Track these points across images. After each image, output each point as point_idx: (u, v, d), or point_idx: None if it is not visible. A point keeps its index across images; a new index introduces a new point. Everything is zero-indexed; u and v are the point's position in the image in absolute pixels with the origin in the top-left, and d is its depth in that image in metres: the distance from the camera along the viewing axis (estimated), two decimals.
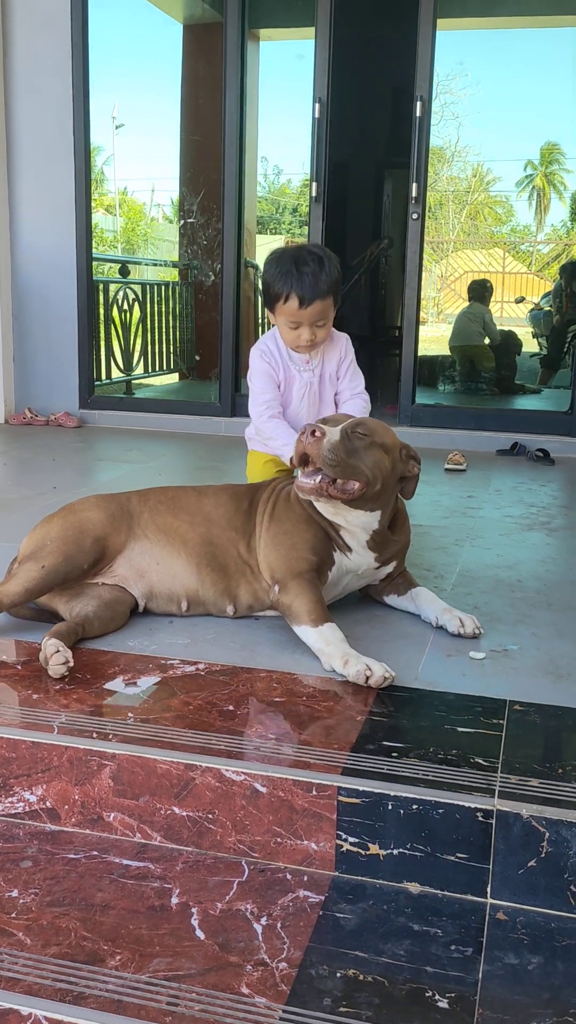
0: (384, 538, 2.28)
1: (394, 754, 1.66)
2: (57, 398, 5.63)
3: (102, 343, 6.80)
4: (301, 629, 2.08)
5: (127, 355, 7.22)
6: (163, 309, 7.56)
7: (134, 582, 2.28)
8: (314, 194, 5.17)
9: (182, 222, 7.32)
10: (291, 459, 2.46)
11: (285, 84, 7.45)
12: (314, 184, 5.16)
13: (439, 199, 15.99)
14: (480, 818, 1.53)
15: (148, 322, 7.26)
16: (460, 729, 1.77)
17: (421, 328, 5.46)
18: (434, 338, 10.25)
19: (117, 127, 10.78)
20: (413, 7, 4.87)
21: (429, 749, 1.68)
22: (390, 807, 1.56)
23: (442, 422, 5.30)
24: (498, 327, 7.60)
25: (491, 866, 1.54)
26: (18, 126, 5.46)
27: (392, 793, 1.56)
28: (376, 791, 1.57)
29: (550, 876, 1.52)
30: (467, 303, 7.53)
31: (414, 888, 1.57)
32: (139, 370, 7.20)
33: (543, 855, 1.51)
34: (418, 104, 4.95)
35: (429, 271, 15.30)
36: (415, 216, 5.10)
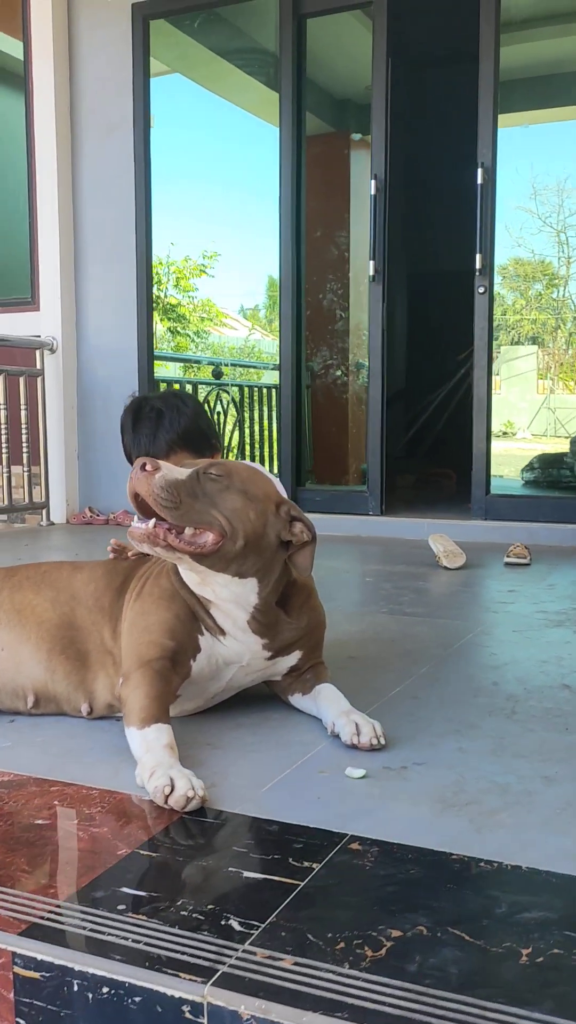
0: (273, 618, 1.81)
1: (121, 907, 1.17)
2: (119, 497, 5.43)
3: None
4: (128, 731, 1.63)
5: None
6: (263, 412, 7.38)
7: None
8: (371, 273, 4.85)
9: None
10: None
11: None
12: (372, 263, 4.84)
13: None
14: (188, 1014, 1.02)
15: (245, 425, 7.08)
16: (247, 874, 1.25)
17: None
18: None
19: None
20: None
21: (177, 902, 1.18)
22: (76, 988, 1.07)
23: (520, 514, 4.71)
24: None
25: None
26: (85, 228, 5.49)
27: (77, 968, 1.07)
28: (59, 963, 1.08)
29: None
30: None
31: None
32: None
33: None
34: (480, 171, 4.59)
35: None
36: (481, 290, 4.67)
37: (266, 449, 7.30)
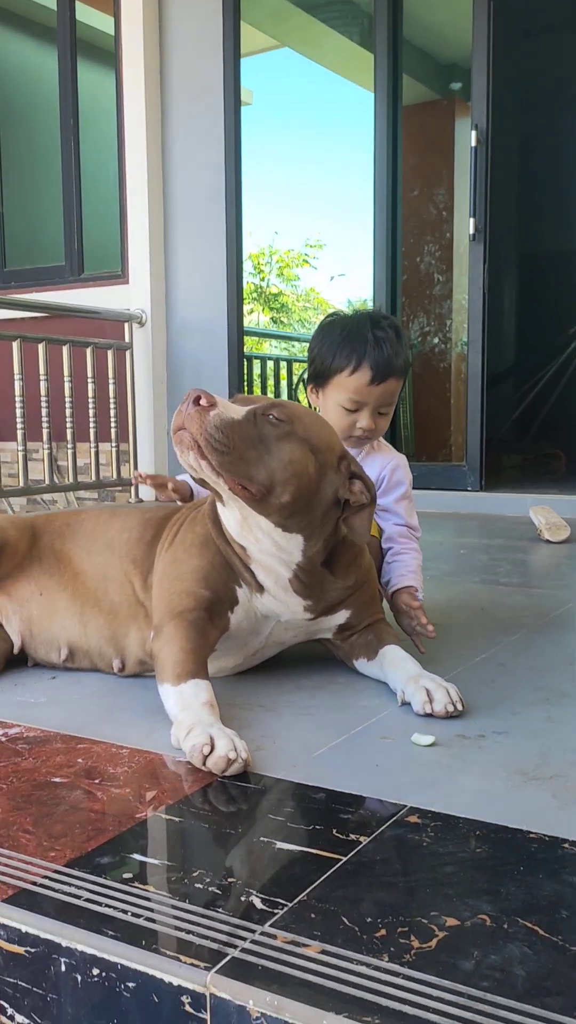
0: (318, 579, 1.61)
1: (127, 875, 1.00)
2: None
3: None
4: (162, 688, 1.45)
5: None
6: None
7: (12, 613, 1.77)
8: (471, 231, 4.57)
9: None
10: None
11: None
12: (472, 220, 4.56)
13: None
14: (188, 1007, 0.83)
15: None
16: (280, 845, 1.06)
17: None
18: None
19: None
20: None
21: (192, 873, 1.00)
22: (63, 967, 0.90)
23: None
24: None
25: None
26: (175, 200, 5.36)
27: (64, 943, 0.90)
28: (45, 936, 0.91)
29: None
30: None
31: None
32: None
33: None
34: None
35: None
36: None
37: None
